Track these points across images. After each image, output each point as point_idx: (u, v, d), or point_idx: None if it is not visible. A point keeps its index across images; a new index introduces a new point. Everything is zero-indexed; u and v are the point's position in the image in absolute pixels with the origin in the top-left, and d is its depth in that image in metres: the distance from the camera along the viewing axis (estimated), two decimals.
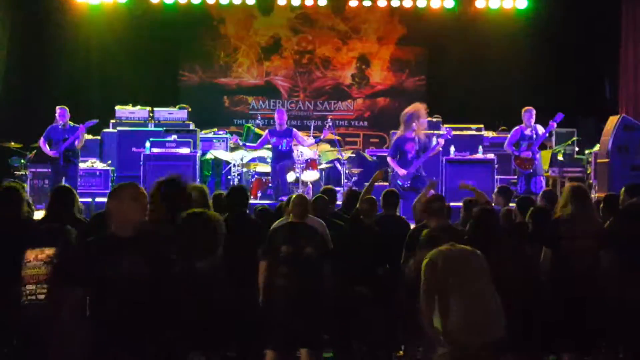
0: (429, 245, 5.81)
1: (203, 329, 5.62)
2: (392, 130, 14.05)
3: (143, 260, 4.63)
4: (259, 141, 13.61)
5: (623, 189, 7.67)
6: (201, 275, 5.22)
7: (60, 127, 12.52)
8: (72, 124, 12.64)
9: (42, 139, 12.65)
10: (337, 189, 10.24)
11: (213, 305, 5.74)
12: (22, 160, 14.09)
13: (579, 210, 6.57)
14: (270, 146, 13.35)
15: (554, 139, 14.66)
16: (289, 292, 6.55)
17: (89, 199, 12.44)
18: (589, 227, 6.57)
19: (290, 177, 13.24)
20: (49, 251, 6.58)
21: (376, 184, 8.28)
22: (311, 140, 13.68)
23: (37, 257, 6.62)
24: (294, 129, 13.42)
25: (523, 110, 12.63)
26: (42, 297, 6.35)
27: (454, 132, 13.10)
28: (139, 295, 4.57)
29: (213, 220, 5.26)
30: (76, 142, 12.60)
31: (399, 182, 11.45)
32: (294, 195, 7.25)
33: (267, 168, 13.83)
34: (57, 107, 12.68)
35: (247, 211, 7.53)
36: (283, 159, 13.09)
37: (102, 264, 4.58)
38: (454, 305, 5.43)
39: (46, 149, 12.57)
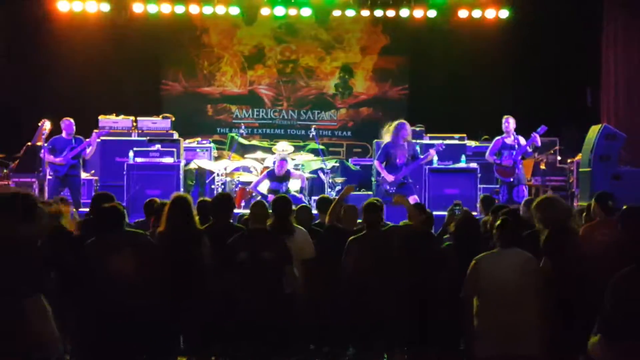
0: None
1: None
2: (376, 140, 14.10)
3: None
4: None
5: (593, 198, 7.46)
6: None
7: (65, 137, 12.53)
8: (75, 136, 12.65)
9: (45, 152, 12.49)
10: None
11: None
12: (5, 170, 13.99)
13: None
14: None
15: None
16: (248, 299, 6.48)
17: (73, 209, 12.31)
18: None
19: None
20: None
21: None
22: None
23: None
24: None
25: (503, 119, 12.73)
26: None
27: (436, 142, 13.14)
28: None
29: None
30: (88, 150, 12.59)
31: (386, 187, 11.51)
32: (253, 203, 7.26)
33: (250, 177, 13.81)
34: (64, 119, 12.63)
35: (231, 220, 7.53)
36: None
37: None
38: None
39: (50, 158, 12.48)
